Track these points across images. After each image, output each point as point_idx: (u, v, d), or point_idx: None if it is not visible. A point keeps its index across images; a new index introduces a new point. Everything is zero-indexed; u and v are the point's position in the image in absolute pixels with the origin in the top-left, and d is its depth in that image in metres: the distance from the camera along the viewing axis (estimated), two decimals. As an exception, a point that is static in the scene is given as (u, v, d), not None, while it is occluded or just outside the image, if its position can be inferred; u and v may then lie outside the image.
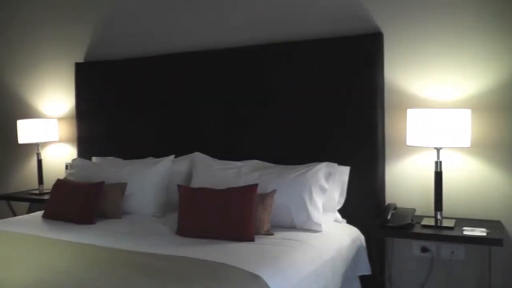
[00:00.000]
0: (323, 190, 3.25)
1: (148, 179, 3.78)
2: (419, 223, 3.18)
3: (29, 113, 5.14)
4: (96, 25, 4.68)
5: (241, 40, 3.95)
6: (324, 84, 3.58)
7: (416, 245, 3.43)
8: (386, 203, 3.47)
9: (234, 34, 3.99)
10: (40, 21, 5.07)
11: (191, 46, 4.14)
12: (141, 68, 4.36)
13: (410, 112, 3.21)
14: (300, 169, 3.32)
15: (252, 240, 2.93)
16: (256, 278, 2.38)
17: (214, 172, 3.59)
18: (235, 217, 2.99)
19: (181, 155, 3.96)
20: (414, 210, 3.34)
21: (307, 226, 3.17)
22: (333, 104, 3.56)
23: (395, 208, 3.31)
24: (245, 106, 3.86)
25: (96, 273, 2.38)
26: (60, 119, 4.92)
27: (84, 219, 3.54)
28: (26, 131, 4.76)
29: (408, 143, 3.23)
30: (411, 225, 3.11)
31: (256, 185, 3.09)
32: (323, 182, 3.26)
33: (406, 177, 3.49)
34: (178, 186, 3.35)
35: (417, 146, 3.26)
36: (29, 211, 4.83)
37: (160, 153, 4.03)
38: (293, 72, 3.69)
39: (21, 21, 5.21)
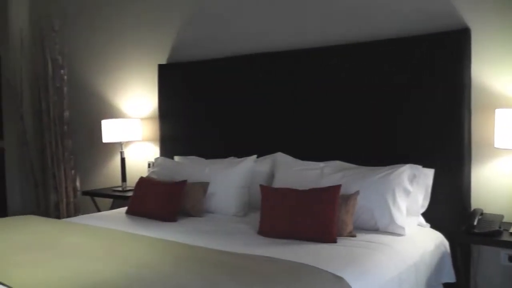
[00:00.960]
0: (406, 192, 3.18)
1: (230, 178, 3.80)
2: (507, 230, 3.03)
3: (113, 113, 5.29)
4: (179, 27, 4.76)
5: (320, 40, 3.90)
6: (408, 84, 3.50)
7: (504, 253, 3.29)
8: (472, 208, 3.34)
9: (312, 35, 3.96)
10: (125, 25, 5.21)
11: (271, 47, 4.14)
12: (222, 68, 4.40)
13: (499, 112, 3.08)
14: (383, 171, 3.26)
15: (334, 241, 2.89)
16: (339, 280, 2.35)
17: (296, 173, 3.58)
18: (318, 218, 2.96)
19: (263, 155, 3.97)
20: (502, 216, 3.21)
21: (390, 229, 3.11)
22: (417, 104, 3.47)
23: (482, 213, 3.19)
24: (326, 107, 3.83)
25: (180, 270, 2.41)
26: (143, 119, 5.04)
27: (167, 216, 3.61)
28: (110, 131, 4.90)
29: (496, 145, 3.11)
30: (499, 232, 2.97)
31: (339, 186, 3.05)
32: (407, 184, 3.19)
33: (494, 181, 3.34)
34: (261, 186, 3.36)
35: (506, 149, 3.13)
36: (112, 207, 4.96)
37: (242, 153, 4.04)
38: (376, 72, 3.62)
39: (107, 26, 5.38)
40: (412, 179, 3.23)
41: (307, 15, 4.01)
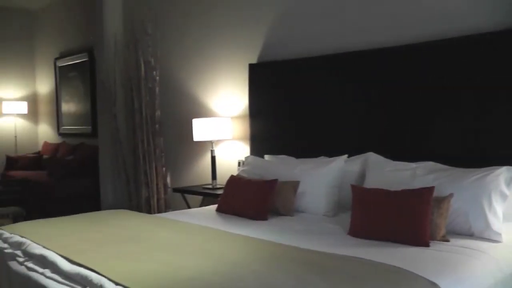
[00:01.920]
0: (503, 196, 3.05)
1: (320, 178, 3.79)
2: None
3: (204, 112, 5.39)
4: (270, 26, 4.78)
5: (413, 36, 3.77)
6: (508, 82, 3.31)
7: None
8: None
9: (405, 30, 3.83)
10: (216, 26, 5.31)
11: (361, 45, 4.07)
12: (312, 67, 4.38)
13: None
14: (478, 173, 3.14)
15: (427, 245, 2.82)
16: (434, 286, 2.29)
17: (387, 173, 3.52)
18: (410, 220, 2.90)
19: (354, 154, 3.92)
20: None
21: (485, 235, 2.99)
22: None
23: None
24: (418, 106, 3.73)
25: (271, 268, 2.41)
26: (233, 118, 5.11)
27: (257, 215, 3.65)
28: (201, 130, 4.98)
29: None
30: None
31: (432, 187, 2.98)
32: (503, 187, 3.05)
33: None
34: (352, 186, 3.33)
35: None
36: (202, 204, 5.06)
37: (332, 152, 4.01)
38: (473, 70, 3.46)
39: (198, 27, 5.49)
40: (510, 182, 3.10)
41: (397, 11, 3.90)
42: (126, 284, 2.22)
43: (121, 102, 5.97)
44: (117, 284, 2.26)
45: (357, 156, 3.91)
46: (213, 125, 4.96)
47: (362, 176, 3.72)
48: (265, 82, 4.76)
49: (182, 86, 5.69)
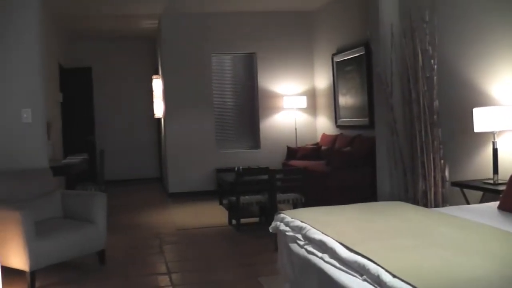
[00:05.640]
0: None
1: None
2: None
3: (485, 101, 5.08)
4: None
5: None
6: None
7: None
8: None
9: None
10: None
11: None
12: None
13: None
14: None
15: None
16: None
17: None
18: None
19: None
20: None
21: None
22: None
23: None
24: None
25: None
26: (517, 106, 4.73)
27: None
28: (482, 120, 4.72)
29: None
30: None
31: None
32: None
33: None
34: None
35: None
36: (482, 200, 4.81)
37: None
38: None
39: (477, 8, 5.21)
40: None
41: None
42: (404, 278, 2.22)
43: (398, 93, 5.96)
44: (394, 276, 2.27)
45: None
46: (495, 114, 4.64)
47: None
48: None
49: (461, 74, 5.43)
